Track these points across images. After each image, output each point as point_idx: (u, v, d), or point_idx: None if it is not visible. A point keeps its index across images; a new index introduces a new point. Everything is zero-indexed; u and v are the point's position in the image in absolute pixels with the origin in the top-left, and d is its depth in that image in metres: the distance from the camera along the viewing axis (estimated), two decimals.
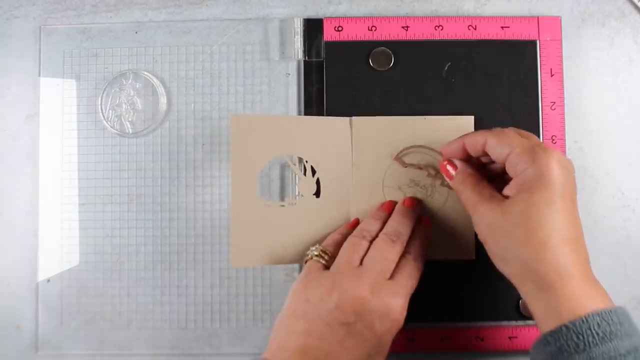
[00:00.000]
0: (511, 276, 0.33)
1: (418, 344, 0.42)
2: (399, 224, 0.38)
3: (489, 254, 0.34)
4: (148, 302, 0.44)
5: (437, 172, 0.41)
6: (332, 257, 0.37)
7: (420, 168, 0.41)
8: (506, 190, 0.34)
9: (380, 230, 0.38)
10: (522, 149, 0.33)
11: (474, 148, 0.36)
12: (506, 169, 0.34)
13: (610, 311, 0.30)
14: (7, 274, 0.44)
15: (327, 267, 0.37)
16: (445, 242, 0.42)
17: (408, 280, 0.36)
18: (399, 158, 0.41)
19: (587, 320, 0.29)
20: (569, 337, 0.29)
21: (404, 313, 0.35)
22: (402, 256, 0.37)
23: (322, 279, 0.35)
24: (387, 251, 0.36)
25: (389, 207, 0.40)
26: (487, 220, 0.34)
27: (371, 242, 0.37)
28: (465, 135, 0.37)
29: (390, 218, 0.39)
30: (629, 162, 0.44)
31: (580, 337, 0.29)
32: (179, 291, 0.44)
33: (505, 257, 0.33)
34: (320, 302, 0.34)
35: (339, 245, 0.38)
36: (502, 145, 0.34)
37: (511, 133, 0.34)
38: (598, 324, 0.29)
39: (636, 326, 0.31)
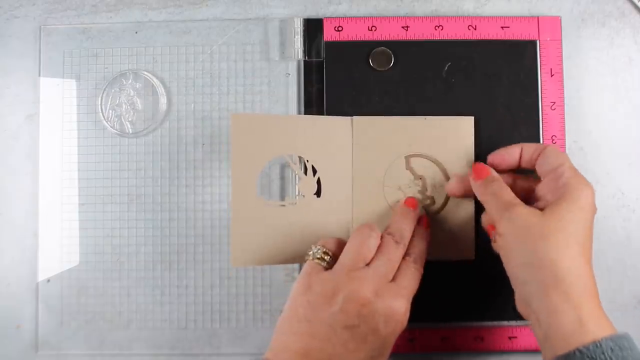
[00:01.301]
0: (536, 283, 0.33)
1: (418, 344, 0.42)
2: (401, 225, 0.38)
3: (510, 259, 0.34)
4: (148, 302, 0.44)
5: (425, 182, 0.42)
6: (334, 257, 0.36)
7: (420, 177, 0.42)
8: (539, 205, 0.35)
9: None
10: (571, 165, 0.36)
11: (530, 155, 0.38)
12: (543, 184, 0.36)
13: (622, 337, 0.30)
14: (7, 274, 0.44)
15: (329, 266, 0.36)
16: (445, 242, 0.42)
17: (409, 281, 0.36)
18: (408, 158, 0.41)
19: (600, 345, 0.29)
20: None
21: (407, 314, 0.35)
22: (403, 258, 0.37)
23: (324, 281, 0.35)
24: (391, 253, 0.36)
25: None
26: (523, 222, 0.34)
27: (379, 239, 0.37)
28: (523, 144, 0.39)
29: (392, 218, 0.39)
30: (629, 162, 0.44)
31: None
32: (179, 291, 0.44)
33: (536, 262, 0.33)
34: (323, 305, 0.34)
35: (342, 242, 0.37)
36: (557, 156, 0.36)
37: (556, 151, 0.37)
38: (611, 349, 0.29)
39: None
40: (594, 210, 0.34)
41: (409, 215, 0.39)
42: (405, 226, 0.38)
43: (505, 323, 0.42)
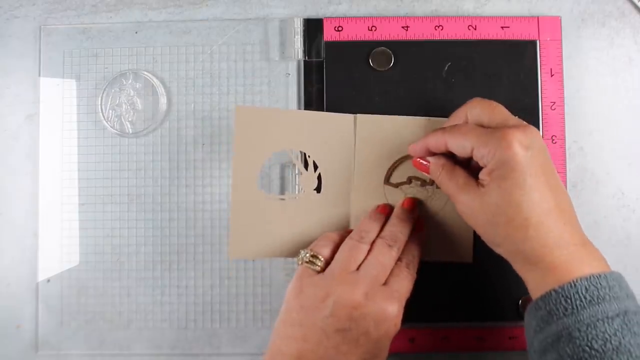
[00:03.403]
0: (503, 255, 0.34)
1: (418, 344, 0.42)
2: (397, 228, 0.38)
3: (480, 236, 0.35)
4: (148, 302, 0.44)
5: (426, 183, 0.41)
6: (326, 260, 0.37)
7: (410, 182, 0.41)
8: (481, 175, 0.34)
9: (379, 232, 0.38)
10: (481, 141, 0.33)
11: (438, 149, 0.37)
12: (475, 160, 0.34)
13: (599, 276, 0.31)
14: (7, 274, 0.44)
15: (321, 270, 0.36)
16: (443, 244, 0.42)
17: (402, 286, 0.36)
18: (389, 182, 0.41)
19: (575, 285, 0.30)
20: (558, 300, 0.30)
21: (400, 317, 0.35)
22: (396, 262, 0.37)
23: (316, 286, 0.35)
24: (383, 257, 0.36)
25: (385, 210, 0.40)
26: (469, 209, 0.34)
27: (370, 244, 0.37)
28: (428, 136, 0.37)
29: (389, 221, 0.39)
30: (629, 162, 0.44)
31: (569, 301, 0.30)
32: (179, 291, 0.44)
33: (494, 241, 0.34)
34: (315, 309, 0.34)
35: (335, 245, 0.37)
36: (462, 143, 0.34)
37: (468, 128, 0.34)
38: (586, 288, 0.30)
39: (629, 290, 0.31)
40: (529, 160, 0.32)
41: (405, 218, 0.39)
42: (400, 229, 0.38)
43: (505, 323, 0.42)
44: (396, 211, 0.40)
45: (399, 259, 0.37)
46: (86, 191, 0.44)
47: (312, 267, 0.36)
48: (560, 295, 0.30)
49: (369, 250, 0.37)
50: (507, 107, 0.43)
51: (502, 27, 0.43)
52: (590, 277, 0.30)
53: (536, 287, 0.32)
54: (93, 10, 0.45)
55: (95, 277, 0.44)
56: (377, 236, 0.38)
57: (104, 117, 0.44)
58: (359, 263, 0.36)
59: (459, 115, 0.36)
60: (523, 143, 0.32)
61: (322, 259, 0.37)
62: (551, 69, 0.43)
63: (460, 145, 0.34)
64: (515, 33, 0.43)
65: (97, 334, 0.44)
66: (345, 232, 0.39)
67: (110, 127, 0.44)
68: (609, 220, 0.43)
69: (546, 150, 0.33)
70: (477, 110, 0.35)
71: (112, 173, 0.44)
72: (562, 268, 0.31)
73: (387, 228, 0.38)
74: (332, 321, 0.33)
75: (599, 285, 0.30)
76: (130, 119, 0.44)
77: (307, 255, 0.37)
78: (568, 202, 0.33)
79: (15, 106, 0.45)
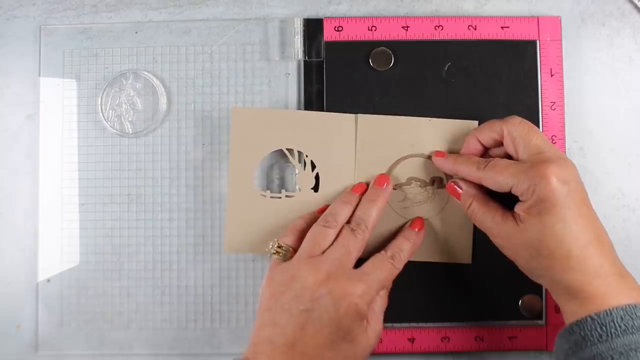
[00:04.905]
0: (544, 285, 0.36)
1: (418, 344, 0.42)
2: (361, 211, 0.39)
3: (519, 267, 0.36)
4: (148, 302, 0.44)
5: (427, 183, 0.41)
6: (291, 248, 0.38)
7: (410, 183, 0.42)
8: (517, 210, 0.35)
9: (351, 214, 0.39)
10: (519, 180, 0.34)
11: (468, 179, 0.38)
12: (515, 194, 0.35)
13: (635, 306, 0.31)
14: (7, 274, 0.44)
15: (288, 258, 0.37)
16: (443, 246, 0.42)
17: (376, 272, 0.37)
18: (410, 158, 0.41)
19: (610, 313, 0.31)
20: (594, 327, 0.31)
21: (365, 298, 0.35)
22: (379, 252, 0.38)
23: (283, 272, 0.36)
24: (347, 241, 0.37)
25: (359, 190, 0.40)
26: (508, 243, 0.35)
27: (339, 228, 0.38)
28: (459, 162, 0.38)
29: (359, 204, 0.39)
30: (629, 162, 0.44)
31: (604, 328, 0.31)
32: (179, 291, 0.44)
33: (535, 273, 0.35)
34: (282, 293, 0.35)
35: (301, 233, 0.38)
36: (498, 181, 0.35)
37: (502, 167, 0.35)
38: (621, 317, 0.31)
39: None
40: (567, 195, 0.33)
41: (374, 197, 0.39)
42: (365, 210, 0.39)
43: (505, 323, 0.42)
44: (367, 192, 0.40)
45: (385, 250, 0.38)
46: (86, 191, 0.44)
47: (278, 256, 0.37)
48: (596, 322, 0.31)
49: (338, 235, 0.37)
50: (507, 107, 0.43)
51: (502, 27, 0.43)
52: (626, 307, 0.31)
53: (572, 314, 0.33)
54: (93, 10, 0.45)
55: (95, 277, 0.44)
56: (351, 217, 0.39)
57: (104, 117, 0.44)
58: (324, 248, 0.37)
59: (495, 129, 0.37)
60: (561, 178, 0.33)
61: (287, 247, 0.38)
62: (551, 69, 0.43)
63: (497, 183, 0.36)
64: (515, 33, 0.43)
65: (97, 334, 0.44)
66: (311, 218, 0.40)
67: (110, 127, 0.44)
68: (609, 220, 0.43)
69: (581, 182, 0.34)
70: (517, 133, 0.36)
71: (112, 173, 0.44)
72: (600, 297, 0.32)
73: (355, 212, 0.39)
74: (296, 303, 0.34)
75: (634, 315, 0.31)
76: (130, 119, 0.44)
77: (274, 247, 0.38)
78: (605, 233, 0.34)
79: (15, 106, 0.45)
